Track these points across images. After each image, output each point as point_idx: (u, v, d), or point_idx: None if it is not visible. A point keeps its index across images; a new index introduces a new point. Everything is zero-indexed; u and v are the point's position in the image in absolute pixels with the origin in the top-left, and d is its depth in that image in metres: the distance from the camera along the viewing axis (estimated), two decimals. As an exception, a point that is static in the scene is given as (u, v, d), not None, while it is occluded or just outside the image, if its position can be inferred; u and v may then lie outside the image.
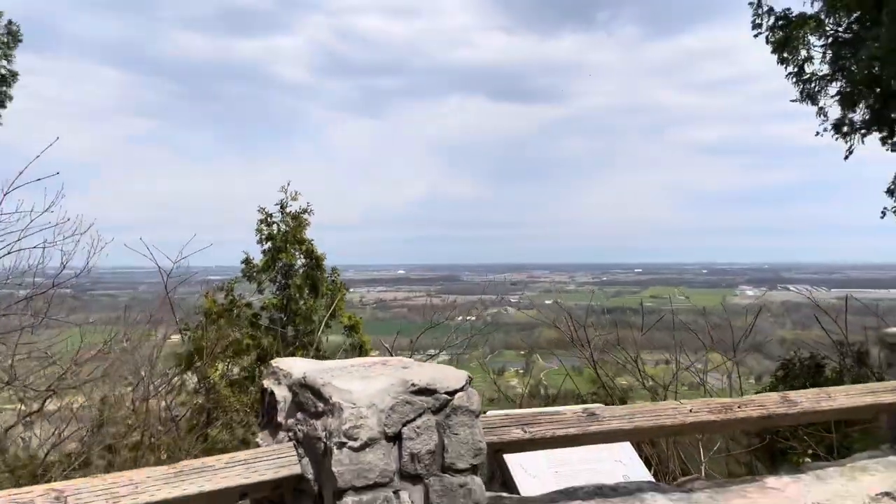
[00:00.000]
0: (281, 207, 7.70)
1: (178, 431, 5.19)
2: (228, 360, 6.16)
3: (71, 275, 10.05)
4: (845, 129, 8.97)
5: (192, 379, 6.04)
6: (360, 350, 7.09)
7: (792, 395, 3.11)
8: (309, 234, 7.58)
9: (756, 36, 9.00)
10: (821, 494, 3.01)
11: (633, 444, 4.33)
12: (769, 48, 8.77)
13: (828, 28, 8.43)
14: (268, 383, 2.55)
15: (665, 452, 5.33)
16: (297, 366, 2.50)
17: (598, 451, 4.02)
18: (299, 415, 2.35)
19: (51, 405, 8.83)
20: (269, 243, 7.64)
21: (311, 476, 2.24)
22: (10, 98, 7.25)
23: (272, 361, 2.60)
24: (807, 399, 3.11)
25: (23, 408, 8.72)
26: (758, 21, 9.01)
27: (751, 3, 8.97)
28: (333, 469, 2.11)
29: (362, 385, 2.24)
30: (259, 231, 7.71)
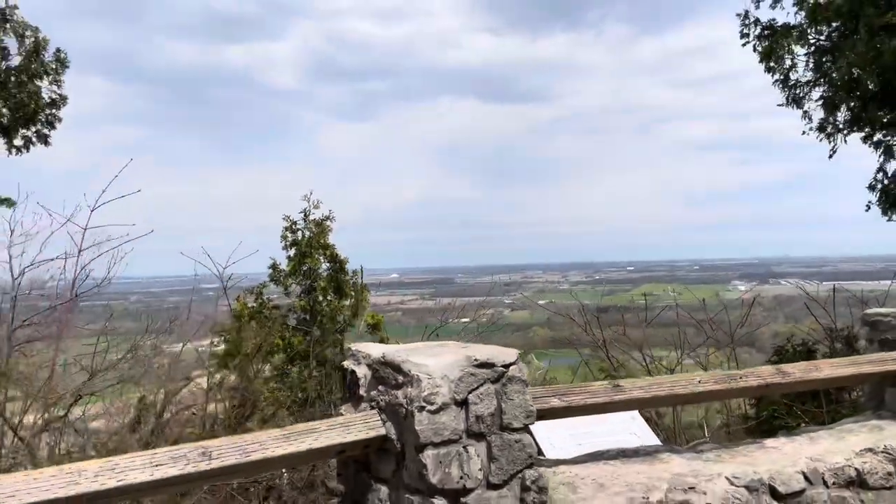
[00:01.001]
0: (304, 215, 8.20)
1: (227, 424, 5.64)
2: (262, 359, 6.62)
3: (92, 284, 10.47)
4: (829, 129, 9.59)
5: (229, 377, 6.48)
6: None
7: (785, 367, 3.62)
8: (331, 239, 8.09)
9: (744, 45, 9.64)
10: (813, 451, 3.51)
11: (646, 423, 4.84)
12: (756, 56, 9.40)
13: (810, 37, 9.05)
14: (348, 364, 3.02)
15: (673, 432, 5.84)
16: (373, 349, 2.98)
17: (616, 426, 4.52)
18: (381, 387, 2.82)
19: (77, 410, 9.23)
20: (293, 249, 8.13)
21: (394, 436, 2.72)
22: (60, 120, 7.73)
23: (351, 346, 3.07)
24: (798, 370, 3.62)
25: (47, 414, 9.11)
26: (745, 31, 9.64)
27: (738, 15, 9.61)
28: (416, 428, 2.58)
29: (435, 360, 2.72)
30: (284, 238, 8.20)
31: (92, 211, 5.78)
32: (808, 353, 7.96)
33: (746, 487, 3.14)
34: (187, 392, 7.82)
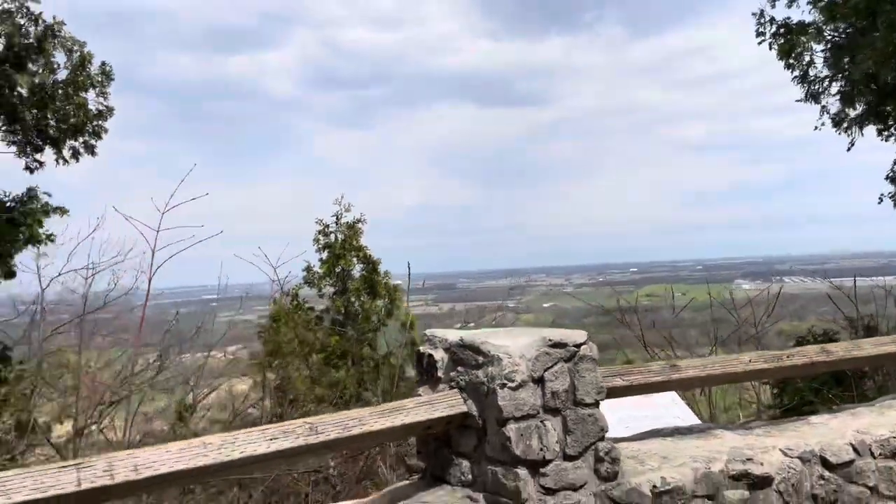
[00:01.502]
0: (336, 219, 8.41)
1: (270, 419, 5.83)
2: (301, 358, 6.81)
3: (118, 295, 10.70)
4: (845, 123, 9.82)
5: (272, 378, 6.68)
6: (412, 346, 7.74)
7: (829, 346, 3.81)
8: (363, 240, 8.30)
9: (760, 43, 9.89)
10: (858, 425, 3.70)
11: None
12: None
13: (826, 34, 9.28)
14: (424, 349, 3.21)
15: (709, 419, 6.02)
16: (450, 333, 3.17)
17: (660, 411, 4.71)
18: (460, 368, 3.01)
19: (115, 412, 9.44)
20: (326, 251, 8.33)
21: (475, 413, 2.91)
22: (106, 130, 8.00)
23: (426, 331, 3.26)
24: (841, 349, 3.81)
25: (77, 421, 9.32)
26: (761, 30, 9.88)
27: (754, 14, 9.85)
28: (499, 403, 2.77)
29: (512, 341, 2.91)
30: (316, 241, 8.42)
31: (162, 214, 5.98)
32: (828, 342, 8.15)
33: (800, 458, 3.33)
34: (226, 394, 8.04)
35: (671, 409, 4.74)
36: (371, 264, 8.23)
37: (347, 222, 8.30)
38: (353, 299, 8.02)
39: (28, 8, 7.12)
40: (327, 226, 8.34)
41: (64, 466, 2.15)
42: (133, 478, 2.21)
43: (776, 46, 9.67)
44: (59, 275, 10.44)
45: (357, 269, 8.25)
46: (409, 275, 7.66)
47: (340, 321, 7.96)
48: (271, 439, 2.47)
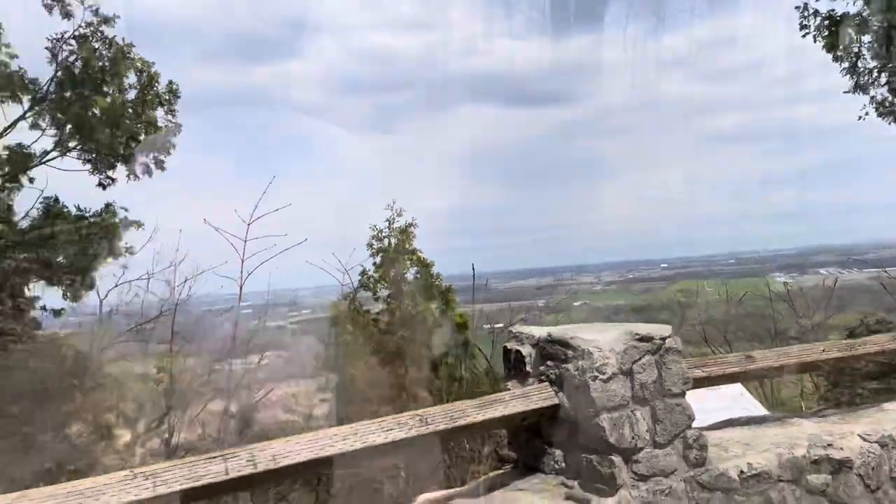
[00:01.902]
0: (389, 223, 8.68)
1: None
2: (363, 359, 7.03)
3: (174, 303, 11.02)
4: (893, 115, 9.79)
5: (334, 378, 6.91)
6: (465, 347, 7.95)
7: (900, 334, 3.88)
8: (415, 244, 8.55)
9: (804, 36, 9.93)
10: (932, 411, 3.77)
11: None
12: (820, 46, 9.68)
13: (873, 25, 9.27)
14: (511, 345, 3.38)
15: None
16: (536, 330, 3.33)
17: (727, 402, 4.81)
18: (549, 363, 3.17)
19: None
20: (380, 256, 8.59)
21: (567, 404, 3.07)
22: (174, 146, 8.41)
23: (512, 328, 3.43)
24: (913, 337, 3.89)
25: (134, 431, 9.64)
26: (805, 23, 9.93)
27: (797, 7, 9.89)
28: (592, 395, 2.93)
29: (601, 336, 3.07)
30: (370, 245, 8.69)
31: (249, 224, 6.22)
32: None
33: (878, 443, 3.43)
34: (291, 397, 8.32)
35: (739, 400, 4.84)
36: (425, 267, 8.46)
37: (400, 227, 8.57)
38: (407, 301, 8.26)
39: (102, 31, 7.54)
40: (381, 231, 8.61)
41: (212, 457, 2.37)
42: (272, 467, 2.42)
43: (821, 39, 9.70)
44: (119, 284, 10.84)
45: (411, 273, 8.51)
46: (474, 276, 7.82)
47: (397, 323, 8.20)
48: (387, 430, 2.66)
